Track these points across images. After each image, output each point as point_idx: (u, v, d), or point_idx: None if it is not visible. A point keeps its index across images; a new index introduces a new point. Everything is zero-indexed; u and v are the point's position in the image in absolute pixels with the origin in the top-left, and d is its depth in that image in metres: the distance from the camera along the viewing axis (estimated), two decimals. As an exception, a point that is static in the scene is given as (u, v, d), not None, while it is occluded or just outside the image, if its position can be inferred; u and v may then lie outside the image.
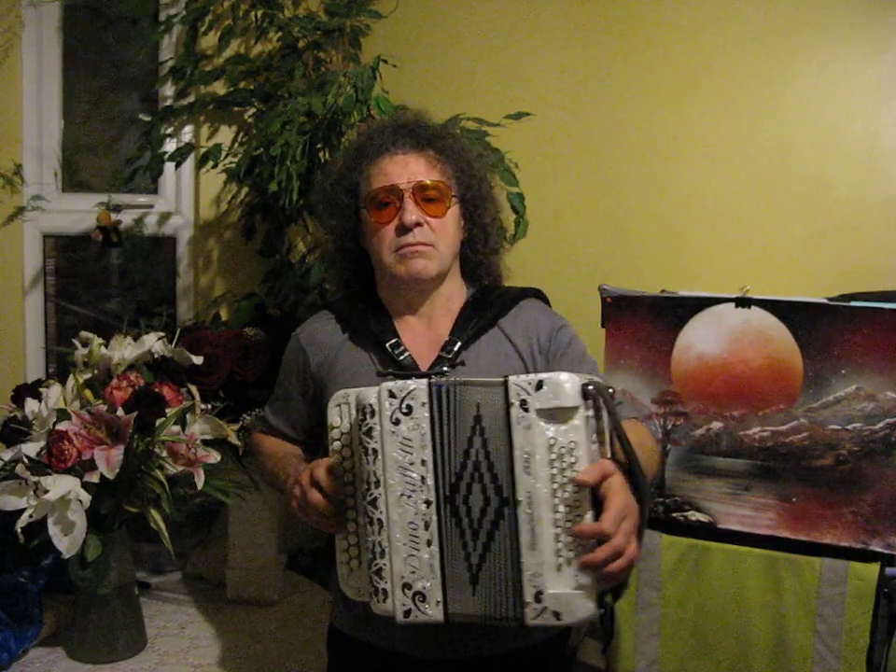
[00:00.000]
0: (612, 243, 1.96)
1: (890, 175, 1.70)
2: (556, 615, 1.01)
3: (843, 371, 1.45)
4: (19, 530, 1.34)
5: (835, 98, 1.74)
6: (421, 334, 1.35)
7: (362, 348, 1.35)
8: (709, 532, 1.54)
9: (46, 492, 1.35)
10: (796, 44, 1.77)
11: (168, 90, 2.20)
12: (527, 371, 1.30)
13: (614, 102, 1.96)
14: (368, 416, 1.09)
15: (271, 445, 1.46)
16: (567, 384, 1.02)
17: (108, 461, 1.39)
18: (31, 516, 1.36)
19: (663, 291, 1.67)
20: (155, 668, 1.54)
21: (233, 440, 1.66)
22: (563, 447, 1.02)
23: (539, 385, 1.02)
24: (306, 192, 1.86)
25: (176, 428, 1.54)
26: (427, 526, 1.07)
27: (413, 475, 1.08)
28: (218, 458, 1.57)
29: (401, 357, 1.30)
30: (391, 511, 1.08)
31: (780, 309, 1.50)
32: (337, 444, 1.17)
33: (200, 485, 1.51)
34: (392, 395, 1.08)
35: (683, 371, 1.58)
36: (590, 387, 1.02)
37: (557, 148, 2.02)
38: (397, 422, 1.08)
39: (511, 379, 1.04)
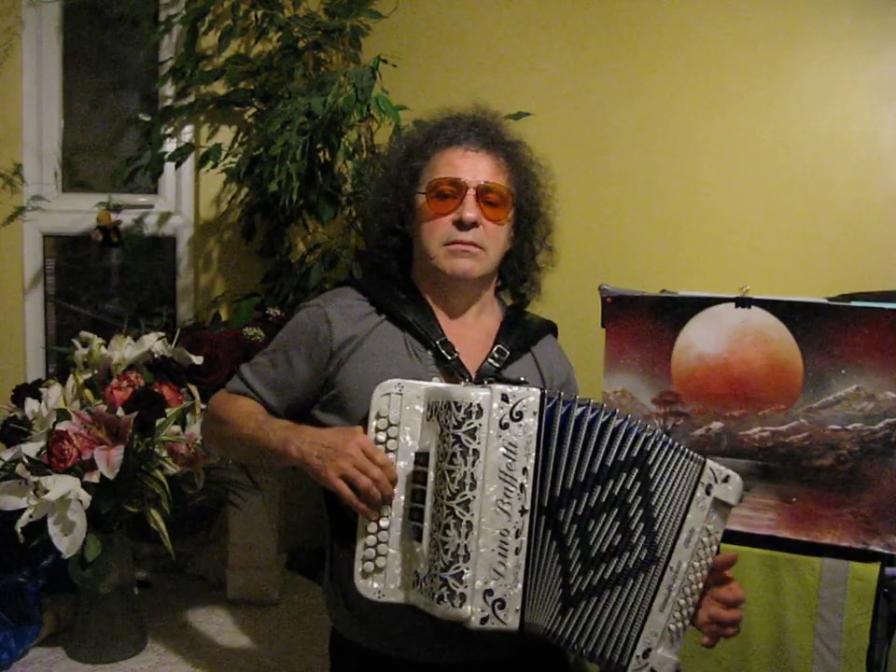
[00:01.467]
0: (612, 243, 1.96)
1: (890, 175, 1.70)
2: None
3: (843, 371, 1.45)
4: (19, 530, 1.34)
5: (835, 98, 1.74)
6: (453, 334, 1.31)
7: (399, 336, 1.29)
8: (709, 532, 1.54)
9: (46, 492, 1.35)
10: (796, 44, 1.77)
11: (168, 90, 2.20)
12: None
13: (614, 102, 1.96)
14: (473, 416, 1.08)
15: (247, 405, 1.29)
16: (740, 487, 1.14)
17: (108, 461, 1.39)
18: (31, 516, 1.36)
19: (663, 291, 1.67)
20: (155, 668, 1.54)
21: (233, 440, 1.66)
22: (712, 535, 1.13)
23: (727, 479, 1.13)
24: (306, 192, 1.86)
25: (176, 428, 1.54)
26: (517, 535, 1.08)
27: (513, 482, 1.08)
28: (218, 458, 1.57)
29: (452, 358, 1.27)
30: (484, 515, 1.07)
31: (780, 309, 1.50)
32: (381, 435, 1.13)
33: (200, 485, 1.51)
34: (505, 399, 1.09)
35: (683, 371, 1.58)
36: (745, 493, 1.19)
37: (557, 148, 2.00)
38: (505, 426, 1.08)
39: (710, 462, 1.13)
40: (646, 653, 1.09)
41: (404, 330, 1.29)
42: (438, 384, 1.16)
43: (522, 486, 1.08)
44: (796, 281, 1.73)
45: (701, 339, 1.56)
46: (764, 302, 1.52)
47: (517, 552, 1.08)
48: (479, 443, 1.07)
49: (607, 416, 1.12)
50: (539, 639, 1.13)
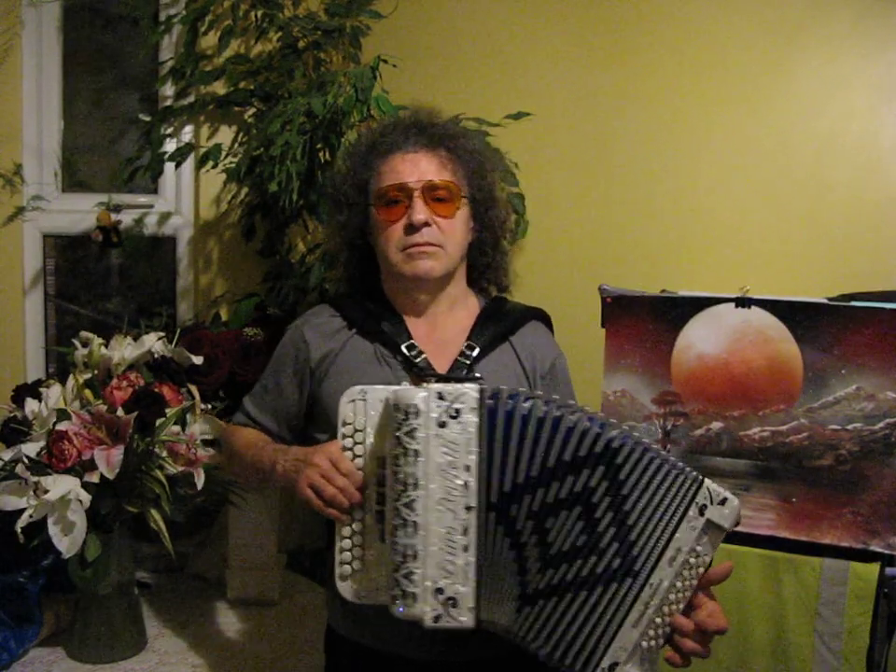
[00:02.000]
0: (612, 243, 1.96)
1: (890, 175, 1.70)
2: None
3: (843, 371, 1.45)
4: (19, 530, 1.34)
5: (835, 98, 1.74)
6: (425, 335, 1.35)
7: (369, 346, 1.33)
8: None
9: (46, 492, 1.35)
10: (796, 44, 1.77)
11: (168, 90, 2.20)
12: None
13: (614, 102, 1.96)
14: (411, 416, 1.08)
15: (249, 435, 1.39)
16: (737, 511, 1.09)
17: (108, 461, 1.39)
18: (31, 516, 1.36)
19: (663, 291, 1.67)
20: (155, 668, 1.54)
21: (233, 440, 1.66)
22: (700, 557, 1.09)
23: (724, 502, 1.08)
24: (306, 192, 1.86)
25: (176, 428, 1.54)
26: (465, 532, 1.08)
27: (455, 479, 1.08)
28: (218, 458, 1.57)
29: (418, 360, 1.29)
30: (428, 514, 1.07)
31: (780, 309, 1.50)
32: (349, 441, 1.15)
33: (200, 485, 1.51)
34: (441, 397, 1.09)
35: (683, 370, 1.58)
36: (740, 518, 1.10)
37: (557, 148, 2.02)
38: (443, 424, 1.08)
39: (707, 482, 1.08)
40: (612, 667, 1.06)
41: (374, 340, 1.33)
42: (393, 387, 1.15)
43: (465, 483, 1.08)
44: (796, 281, 1.73)
45: (701, 339, 1.56)
46: (764, 302, 1.52)
47: (466, 549, 1.07)
48: (418, 443, 1.08)
49: (560, 412, 1.09)
50: (504, 639, 1.11)
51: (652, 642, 1.07)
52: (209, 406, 1.69)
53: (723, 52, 1.83)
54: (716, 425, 1.55)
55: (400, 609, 1.08)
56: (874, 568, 1.41)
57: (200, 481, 1.51)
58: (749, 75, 1.81)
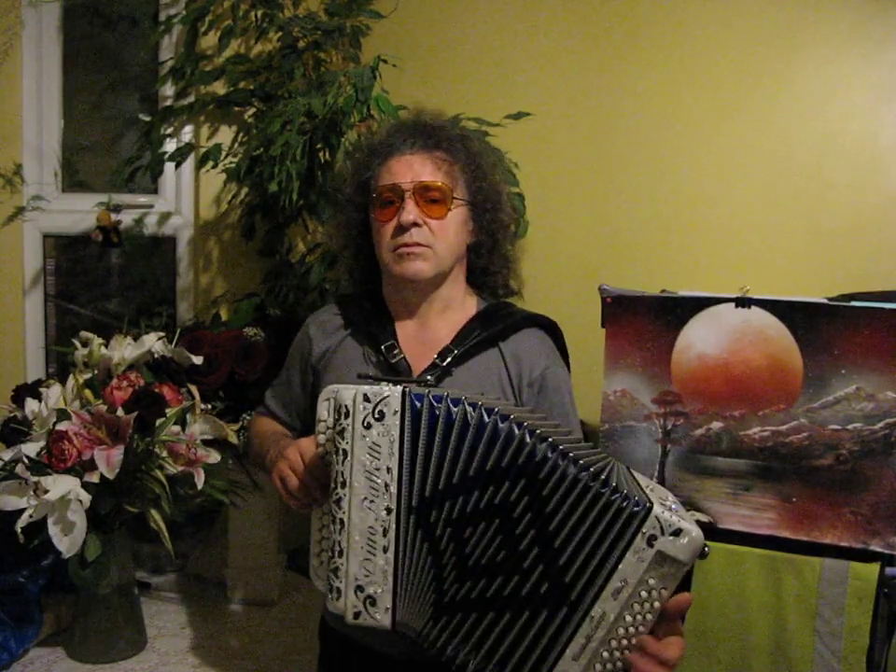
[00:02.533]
0: (612, 243, 1.96)
1: (890, 175, 1.70)
2: None
3: (843, 371, 1.45)
4: (19, 530, 1.34)
5: (835, 98, 1.74)
6: (414, 336, 1.35)
7: (362, 347, 1.36)
8: (710, 532, 1.54)
9: (46, 492, 1.35)
10: (796, 44, 1.77)
11: (168, 90, 2.20)
12: (509, 399, 1.30)
13: (614, 102, 1.96)
14: (342, 417, 1.09)
15: (263, 425, 1.48)
16: (696, 544, 0.99)
17: (108, 461, 1.39)
18: (31, 516, 1.36)
19: (663, 291, 1.67)
20: (155, 668, 1.54)
21: (233, 440, 1.66)
22: (655, 591, 1.00)
23: (678, 533, 0.99)
24: (306, 192, 1.86)
25: (176, 428, 1.54)
26: (385, 533, 1.08)
27: (378, 481, 1.08)
28: (218, 458, 1.57)
29: (395, 360, 1.31)
30: (352, 512, 1.08)
31: (780, 309, 1.50)
32: (322, 437, 1.17)
33: (200, 485, 1.51)
34: (366, 399, 1.08)
35: (683, 371, 1.58)
36: (706, 549, 1.01)
37: (557, 148, 2.02)
38: (368, 426, 1.08)
39: (657, 511, 0.99)
40: None
41: (363, 340, 1.36)
42: (358, 386, 1.13)
43: (386, 485, 1.08)
44: (796, 281, 1.74)
45: (701, 339, 1.56)
46: (764, 302, 1.52)
47: (385, 550, 1.08)
48: (347, 443, 1.09)
49: (491, 418, 1.05)
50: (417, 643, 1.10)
51: None
52: (209, 406, 1.69)
53: (723, 52, 1.83)
54: (716, 425, 1.55)
55: (330, 603, 1.10)
56: (874, 568, 1.41)
57: (200, 481, 1.51)
58: (749, 75, 1.81)
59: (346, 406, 1.09)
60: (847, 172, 1.73)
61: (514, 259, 1.45)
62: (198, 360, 1.70)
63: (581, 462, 1.03)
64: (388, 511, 1.08)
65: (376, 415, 1.08)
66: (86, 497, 1.39)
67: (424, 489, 1.08)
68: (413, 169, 1.31)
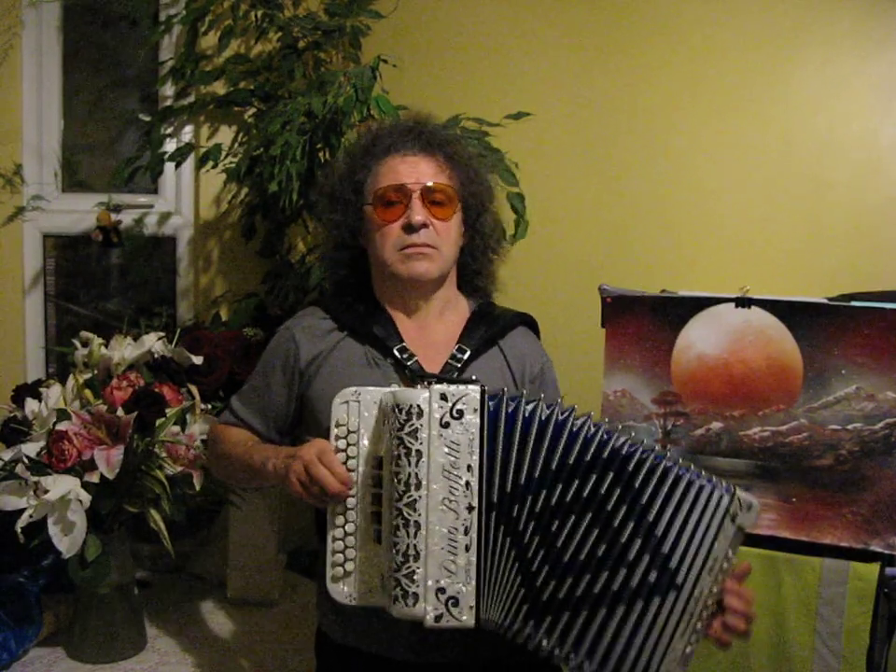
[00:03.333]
0: (612, 243, 1.96)
1: (890, 175, 1.70)
2: None
3: (843, 371, 1.45)
4: (19, 530, 1.34)
5: (835, 98, 1.74)
6: (416, 337, 1.35)
7: (359, 349, 1.33)
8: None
9: (46, 492, 1.35)
10: (796, 44, 1.77)
11: (168, 90, 2.20)
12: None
13: (614, 102, 1.96)
14: (414, 417, 1.08)
15: (237, 434, 1.38)
16: (757, 512, 1.10)
17: (108, 461, 1.39)
18: (31, 516, 1.36)
19: (663, 291, 1.67)
20: (155, 668, 1.54)
21: (233, 440, 1.66)
22: (731, 564, 1.09)
23: (750, 507, 1.08)
24: (306, 192, 1.86)
25: (176, 428, 1.54)
26: (466, 532, 1.08)
27: (458, 479, 1.08)
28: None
29: (409, 362, 1.30)
30: (430, 514, 1.07)
31: (780, 309, 1.50)
32: (342, 442, 1.15)
33: (199, 485, 1.51)
34: (444, 398, 1.09)
35: (683, 371, 1.58)
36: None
37: (557, 148, 2.02)
38: (446, 425, 1.08)
39: (740, 493, 1.07)
40: None
41: (365, 342, 1.33)
42: (387, 388, 1.15)
43: (467, 483, 1.08)
44: (796, 281, 1.73)
45: (701, 339, 1.56)
46: (764, 302, 1.52)
47: (467, 549, 1.07)
48: (421, 444, 1.08)
49: (564, 415, 1.10)
50: (509, 641, 1.10)
51: (693, 647, 1.07)
52: (209, 406, 1.69)
53: (723, 52, 1.83)
54: (716, 425, 1.54)
55: (401, 609, 1.08)
56: (874, 568, 1.41)
57: (199, 481, 1.51)
58: (749, 75, 1.81)
59: (418, 406, 1.08)
60: (847, 172, 1.73)
61: (496, 262, 1.46)
62: (198, 360, 1.70)
63: (659, 453, 1.09)
64: (470, 508, 1.08)
65: (454, 414, 1.09)
66: (86, 497, 1.39)
67: (505, 485, 1.09)
68: (419, 170, 1.31)
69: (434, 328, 1.36)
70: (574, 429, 1.09)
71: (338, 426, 1.16)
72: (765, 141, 1.80)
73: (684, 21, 1.87)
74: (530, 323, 1.45)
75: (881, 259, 1.70)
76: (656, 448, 1.13)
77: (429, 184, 1.30)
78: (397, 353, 1.31)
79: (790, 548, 1.48)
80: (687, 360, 1.57)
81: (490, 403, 1.10)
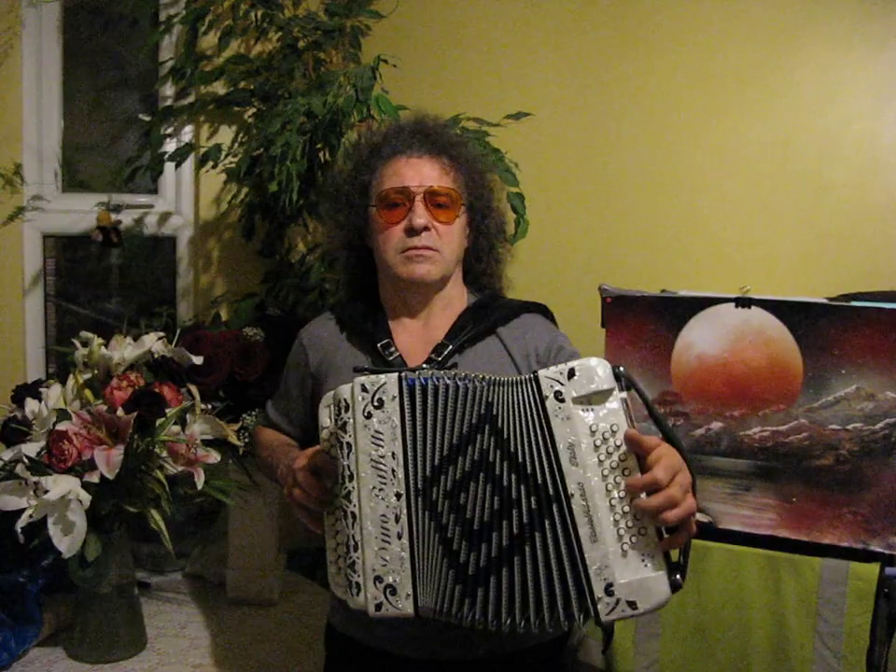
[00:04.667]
0: (612, 243, 1.96)
1: (890, 176, 1.70)
2: (631, 605, 0.99)
3: (843, 371, 1.45)
4: (19, 530, 1.34)
5: (835, 98, 1.74)
6: (417, 336, 1.36)
7: (359, 349, 1.37)
8: (709, 532, 1.54)
9: (46, 492, 1.35)
10: (796, 44, 1.77)
11: (168, 90, 2.20)
12: None
13: (614, 102, 1.96)
14: (343, 411, 1.10)
15: (268, 437, 1.49)
16: (598, 367, 1.04)
17: (108, 461, 1.39)
18: (31, 516, 1.35)
19: (663, 291, 1.67)
20: (155, 668, 1.54)
21: (233, 440, 1.66)
22: (605, 431, 1.02)
23: (572, 373, 1.03)
24: (306, 192, 1.86)
25: (176, 428, 1.54)
26: (397, 519, 1.08)
27: (384, 468, 1.09)
28: (218, 458, 1.57)
29: (391, 357, 1.31)
30: (363, 504, 1.09)
31: (780, 309, 1.50)
32: (326, 444, 1.17)
33: (200, 485, 1.51)
34: (364, 389, 1.10)
35: (683, 371, 1.58)
36: (620, 368, 1.04)
37: (557, 148, 2.02)
38: (369, 415, 1.09)
39: (541, 372, 1.05)
40: (608, 590, 0.99)
41: (363, 341, 1.37)
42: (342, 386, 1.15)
43: (393, 471, 1.08)
44: (796, 281, 1.74)
45: (701, 339, 1.56)
46: (764, 302, 1.52)
47: (399, 536, 1.08)
48: (350, 436, 1.10)
49: (456, 383, 1.09)
50: (459, 629, 1.08)
51: (633, 538, 1.01)
52: (209, 406, 1.69)
53: (724, 53, 1.83)
54: (716, 425, 1.55)
55: (351, 600, 1.09)
56: (874, 568, 1.41)
57: (200, 481, 1.51)
58: (749, 75, 1.81)
59: (345, 399, 1.10)
60: (847, 172, 1.73)
61: (503, 261, 1.46)
62: (198, 360, 1.70)
63: (497, 379, 1.08)
64: (398, 496, 1.08)
65: (375, 403, 1.09)
66: (86, 497, 1.39)
67: (425, 469, 1.09)
68: (423, 173, 1.32)
69: (436, 325, 1.37)
70: (465, 393, 1.08)
71: (322, 429, 1.18)
72: (766, 141, 1.80)
73: (684, 21, 1.87)
74: (543, 310, 1.44)
75: (881, 259, 1.70)
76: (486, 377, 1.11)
77: (432, 186, 1.31)
78: (379, 348, 1.33)
79: (790, 548, 1.48)
80: (687, 360, 1.57)
81: (407, 387, 1.09)
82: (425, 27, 2.16)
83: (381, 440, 1.09)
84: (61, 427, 1.42)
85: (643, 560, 1.00)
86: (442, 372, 1.11)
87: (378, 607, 1.07)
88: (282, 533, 1.92)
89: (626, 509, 1.01)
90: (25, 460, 1.41)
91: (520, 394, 1.07)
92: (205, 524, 1.99)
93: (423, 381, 1.09)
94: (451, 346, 1.31)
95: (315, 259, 2.03)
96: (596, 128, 1.98)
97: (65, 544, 1.38)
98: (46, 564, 1.61)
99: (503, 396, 1.07)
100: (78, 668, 1.53)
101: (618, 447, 1.02)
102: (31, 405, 1.52)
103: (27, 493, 1.37)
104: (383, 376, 1.10)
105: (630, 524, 1.01)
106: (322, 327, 1.43)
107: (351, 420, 1.10)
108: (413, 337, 1.36)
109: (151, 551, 1.93)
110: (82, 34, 2.26)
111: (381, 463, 1.09)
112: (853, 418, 1.44)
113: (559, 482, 1.02)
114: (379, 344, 1.33)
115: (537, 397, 1.05)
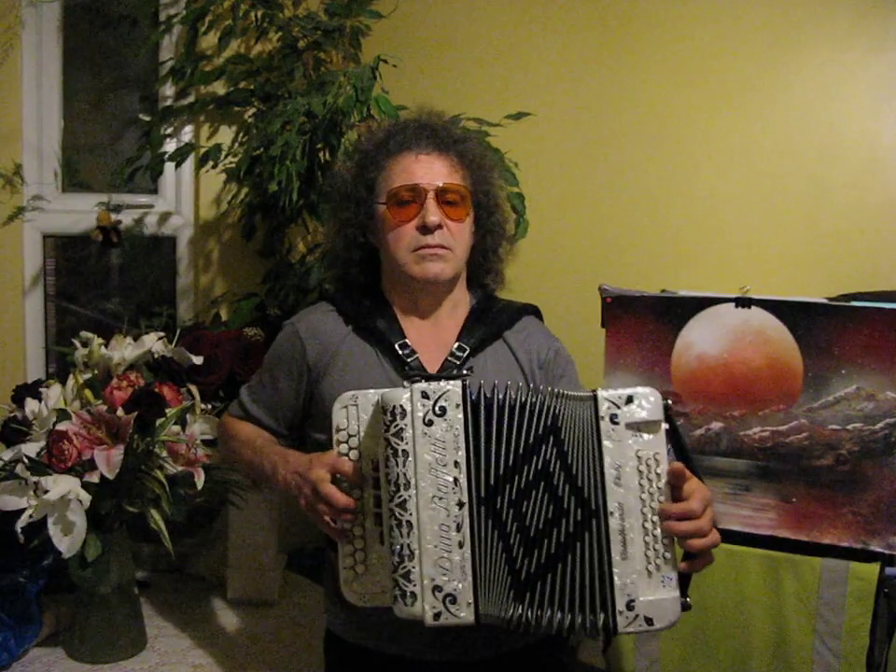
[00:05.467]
0: (612, 243, 1.96)
1: (890, 176, 1.70)
2: (648, 621, 1.05)
3: (843, 371, 1.45)
4: (19, 530, 1.34)
5: (835, 98, 1.74)
6: (426, 336, 1.34)
7: (367, 345, 1.33)
8: (709, 532, 1.54)
9: (46, 492, 1.35)
10: (796, 44, 1.77)
11: (168, 90, 2.20)
12: (527, 384, 1.30)
13: (614, 102, 1.96)
14: (398, 418, 1.08)
15: (247, 432, 1.39)
16: (652, 397, 1.09)
17: (108, 461, 1.39)
18: (31, 516, 1.36)
19: (663, 291, 1.67)
20: (155, 668, 1.54)
21: (233, 440, 1.66)
22: (649, 459, 1.08)
23: (630, 400, 1.08)
24: (306, 192, 1.86)
25: (176, 428, 1.54)
26: (458, 528, 1.07)
27: (446, 476, 1.08)
28: (218, 458, 1.57)
29: (410, 360, 1.29)
30: (421, 513, 1.07)
31: (780, 309, 1.50)
32: (344, 447, 1.15)
33: (200, 485, 1.51)
34: (425, 395, 1.09)
35: (683, 371, 1.58)
36: (669, 402, 1.10)
37: (557, 148, 2.02)
38: (430, 423, 1.08)
39: (601, 393, 1.08)
40: (629, 605, 1.05)
41: (372, 338, 1.33)
42: (381, 390, 1.14)
43: (455, 480, 1.08)
44: (796, 281, 1.74)
45: (701, 339, 1.56)
46: (764, 302, 1.52)
47: (461, 545, 1.07)
48: (406, 444, 1.08)
49: (524, 396, 1.11)
50: (508, 631, 1.10)
51: (658, 560, 1.07)
52: (209, 406, 1.69)
53: (723, 52, 1.83)
54: (716, 425, 1.55)
55: (402, 609, 1.08)
56: (874, 568, 1.41)
57: (200, 481, 1.51)
58: (749, 75, 1.81)
59: (401, 406, 1.08)
60: (847, 172, 1.73)
61: (505, 260, 1.46)
62: (198, 360, 1.70)
63: (560, 392, 1.11)
64: (460, 505, 1.08)
65: (437, 411, 1.08)
66: (86, 497, 1.39)
67: (489, 478, 1.09)
68: (433, 170, 1.30)
69: (445, 327, 1.36)
70: (530, 408, 1.10)
71: (338, 430, 1.16)
72: (766, 141, 1.80)
73: (684, 21, 1.87)
74: (536, 312, 1.45)
75: (881, 259, 1.70)
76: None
77: (443, 184, 1.29)
78: (398, 349, 1.30)
79: (790, 548, 1.48)
80: (687, 360, 1.57)
81: (472, 397, 1.10)
82: (425, 27, 2.16)
83: (442, 448, 1.08)
84: (61, 426, 1.42)
85: (663, 582, 1.06)
86: (508, 383, 1.12)
87: (436, 616, 1.07)
88: (282, 533, 1.92)
89: (657, 533, 1.07)
90: (25, 460, 1.41)
91: (580, 410, 1.10)
92: (205, 524, 1.99)
93: (489, 392, 1.10)
94: (468, 350, 1.31)
95: (314, 259, 2.03)
96: (596, 127, 1.98)
97: (65, 544, 1.38)
98: (46, 564, 1.61)
99: (566, 409, 1.10)
100: (78, 668, 1.53)
101: (658, 475, 1.08)
102: (31, 405, 1.53)
103: (27, 493, 1.37)
104: (443, 383, 1.09)
105: (658, 547, 1.07)
106: (321, 318, 1.37)
107: (409, 427, 1.08)
108: (425, 338, 1.34)
109: (151, 551, 1.93)
110: (82, 34, 2.26)
111: (441, 472, 1.08)
112: (853, 418, 1.44)
113: (602, 499, 1.07)
114: (397, 344, 1.31)
115: (594, 416, 1.08)
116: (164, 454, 1.49)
